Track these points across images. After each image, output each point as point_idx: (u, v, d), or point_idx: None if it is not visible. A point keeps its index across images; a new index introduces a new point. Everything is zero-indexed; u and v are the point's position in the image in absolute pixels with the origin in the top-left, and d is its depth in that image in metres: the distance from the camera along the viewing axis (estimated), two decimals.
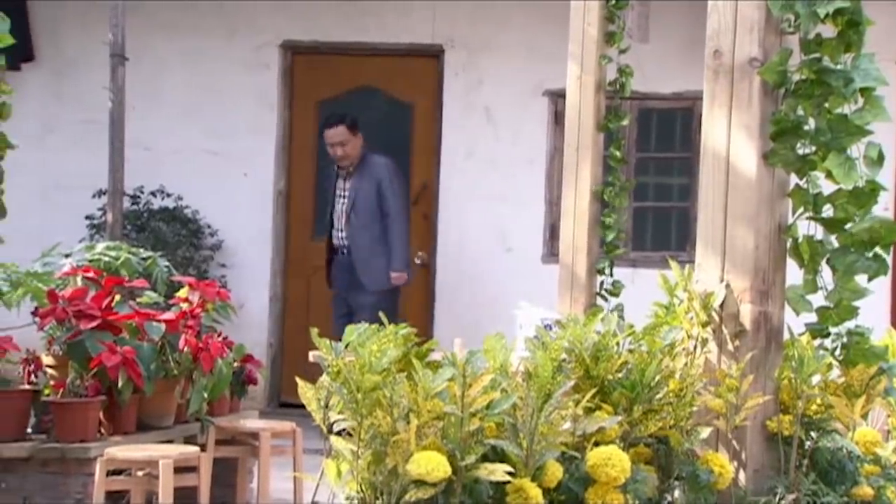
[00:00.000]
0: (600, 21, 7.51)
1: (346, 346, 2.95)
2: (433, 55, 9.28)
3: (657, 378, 3.29)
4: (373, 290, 8.18)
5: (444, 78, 9.27)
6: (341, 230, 8.32)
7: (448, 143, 9.22)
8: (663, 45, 8.59)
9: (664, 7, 8.66)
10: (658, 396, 3.31)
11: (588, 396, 3.18)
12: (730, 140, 3.58)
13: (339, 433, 2.92)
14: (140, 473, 4.92)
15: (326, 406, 2.93)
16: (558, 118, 9.11)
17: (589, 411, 3.20)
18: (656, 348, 3.33)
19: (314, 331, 2.99)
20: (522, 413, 3.01)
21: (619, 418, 3.21)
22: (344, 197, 8.33)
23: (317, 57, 9.50)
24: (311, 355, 5.36)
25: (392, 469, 2.83)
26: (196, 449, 4.98)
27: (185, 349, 5.34)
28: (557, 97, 9.03)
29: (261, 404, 8.85)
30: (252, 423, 6.01)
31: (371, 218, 8.24)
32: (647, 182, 9.08)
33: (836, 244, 3.55)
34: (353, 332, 2.98)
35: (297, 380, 2.98)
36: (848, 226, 3.49)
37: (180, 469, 4.81)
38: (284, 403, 9.31)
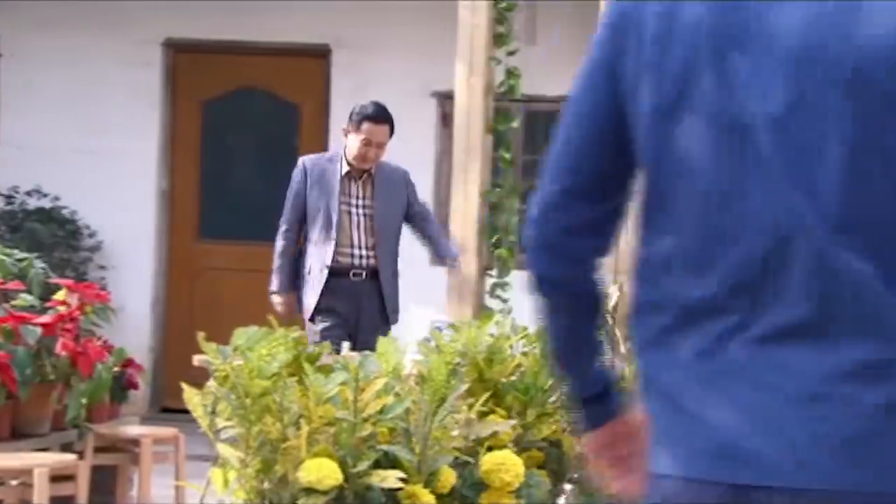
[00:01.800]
0: (489, 22, 7.51)
1: (234, 350, 2.87)
2: (320, 55, 9.19)
3: (550, 381, 3.26)
4: (392, 323, 6.49)
5: (332, 78, 9.19)
6: (361, 247, 6.44)
7: (335, 144, 9.12)
8: (550, 48, 8.61)
9: (551, 10, 8.69)
10: (551, 399, 3.28)
11: (482, 400, 3.13)
12: None
13: (226, 440, 2.84)
14: (14, 483, 4.76)
15: (213, 412, 2.85)
16: (446, 120, 9.08)
17: (482, 415, 3.16)
18: None
19: (201, 335, 2.90)
20: (415, 418, 2.95)
21: (513, 422, 3.17)
22: (363, 207, 6.48)
23: (201, 55, 9.35)
24: (196, 359, 5.24)
25: (282, 477, 2.75)
26: (73, 457, 4.84)
27: (63, 353, 5.19)
28: (445, 98, 8.99)
29: (142, 410, 8.67)
30: (132, 429, 5.88)
31: (397, 237, 6.66)
32: (536, 184, 9.11)
33: None
34: (242, 334, 2.90)
35: (183, 385, 2.88)
36: None
37: (57, 478, 4.66)
38: (167, 409, 9.14)
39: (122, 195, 9.17)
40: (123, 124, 9.23)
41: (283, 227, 6.55)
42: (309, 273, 6.39)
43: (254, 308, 9.08)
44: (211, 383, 2.89)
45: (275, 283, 6.58)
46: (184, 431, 5.92)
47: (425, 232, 6.79)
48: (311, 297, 6.36)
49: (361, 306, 6.40)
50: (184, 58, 9.39)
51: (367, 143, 6.45)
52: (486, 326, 3.28)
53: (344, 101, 9.20)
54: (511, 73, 7.71)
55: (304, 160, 6.63)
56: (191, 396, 2.86)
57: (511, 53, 7.70)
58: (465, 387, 3.03)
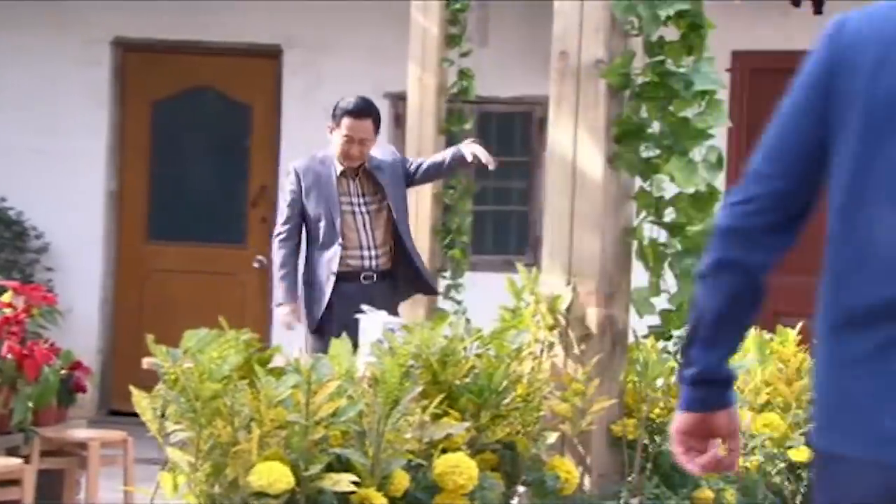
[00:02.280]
0: (441, 23, 7.49)
1: (184, 353, 2.82)
2: (272, 55, 9.12)
3: (505, 383, 3.23)
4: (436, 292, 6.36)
5: (283, 78, 9.12)
6: (369, 248, 6.04)
7: (287, 145, 9.06)
8: (502, 49, 8.59)
9: (503, 11, 8.67)
10: (505, 402, 3.25)
11: (435, 402, 3.10)
12: (576, 142, 3.55)
13: (176, 444, 2.79)
14: None
15: (163, 415, 2.80)
16: (398, 120, 9.03)
17: (436, 417, 3.13)
18: (504, 352, 3.27)
19: (150, 337, 2.85)
20: (369, 420, 2.92)
21: (467, 424, 3.15)
22: (366, 204, 6.10)
23: (151, 55, 9.25)
24: (146, 362, 5.17)
25: (232, 481, 2.71)
26: (19, 461, 4.76)
27: (9, 356, 5.11)
28: (398, 99, 8.95)
29: (90, 413, 8.57)
30: (80, 432, 5.79)
31: (407, 224, 6.19)
32: (487, 186, 9.07)
33: (679, 247, 3.55)
34: (191, 337, 2.85)
35: (131, 388, 2.83)
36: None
37: (2, 482, 4.59)
38: (115, 411, 9.04)
39: (70, 196, 9.06)
40: (71, 124, 9.12)
41: (280, 236, 6.10)
42: (314, 282, 5.95)
43: (204, 309, 9.01)
44: (160, 386, 2.84)
45: (279, 294, 6.04)
46: (133, 435, 5.85)
47: (433, 163, 6.23)
48: (317, 308, 5.91)
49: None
50: (133, 57, 9.29)
51: (349, 139, 6.04)
52: (440, 328, 3.25)
53: (296, 101, 9.16)
54: (464, 75, 7.69)
55: (295, 166, 6.16)
56: (139, 400, 2.81)
57: (464, 55, 7.68)
58: (418, 389, 3.00)
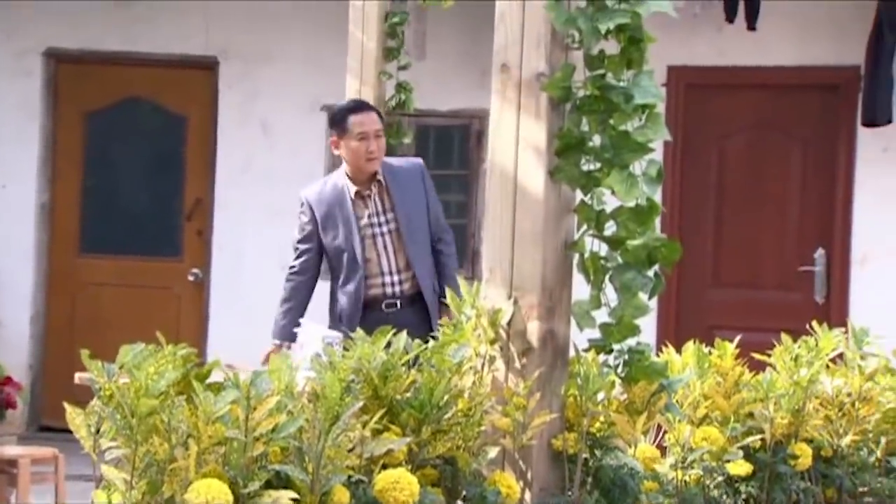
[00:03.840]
0: (379, 36, 7.46)
1: (120, 368, 2.77)
2: (207, 66, 9.06)
3: (446, 398, 3.21)
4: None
5: (219, 90, 9.05)
6: (392, 273, 5.58)
7: (223, 157, 9.00)
8: (440, 63, 8.59)
9: (440, 25, 8.66)
10: (447, 416, 3.22)
11: (376, 417, 3.07)
12: (517, 155, 3.54)
13: (110, 461, 2.74)
14: None
15: (97, 432, 2.74)
16: None
17: (377, 433, 3.10)
18: (445, 367, 3.25)
19: (85, 352, 2.79)
20: (308, 436, 2.88)
21: (408, 440, 3.11)
22: (385, 223, 5.62)
23: (84, 66, 9.16)
24: (78, 377, 5.09)
25: (169, 499, 2.66)
26: None
27: None
28: None
29: (20, 429, 8.43)
30: (10, 449, 5.72)
31: (427, 243, 5.67)
32: None
33: (619, 261, 3.54)
34: (127, 352, 2.80)
35: (65, 404, 2.78)
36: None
37: None
38: (46, 427, 8.91)
39: (0, 208, 8.93)
40: (2, 135, 9.00)
41: (292, 269, 5.76)
42: (342, 316, 5.58)
43: (138, 324, 8.91)
44: (95, 402, 2.78)
45: (276, 329, 5.71)
46: (64, 451, 5.76)
47: (438, 267, 5.70)
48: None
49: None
50: (66, 68, 9.19)
51: (364, 136, 5.55)
52: (381, 342, 3.22)
53: (232, 113, 9.09)
54: (402, 88, 7.66)
55: (308, 198, 5.72)
56: (73, 416, 2.75)
57: (402, 68, 7.66)
58: (359, 404, 2.97)
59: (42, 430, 8.89)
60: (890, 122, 8.29)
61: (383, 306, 5.56)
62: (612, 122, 3.47)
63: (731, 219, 8.75)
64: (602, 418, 3.58)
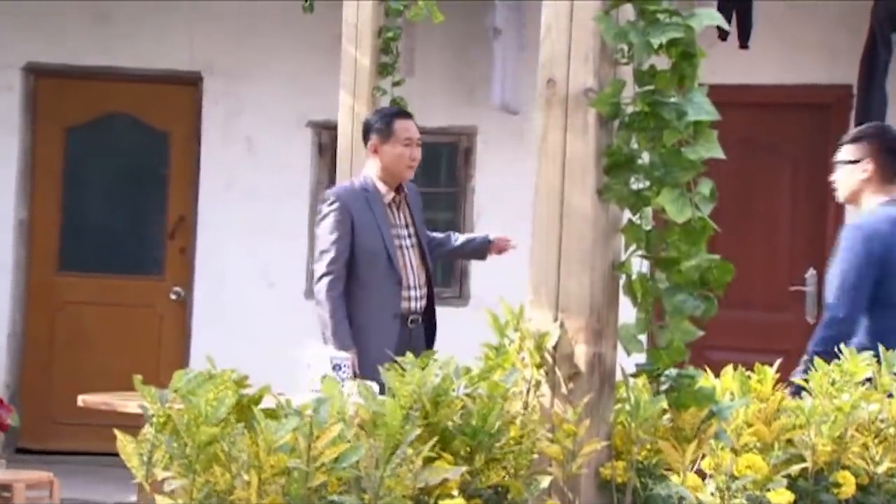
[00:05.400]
0: (373, 52, 7.36)
1: (175, 393, 2.63)
2: (191, 82, 8.90)
3: (498, 424, 3.08)
4: None
5: (203, 106, 8.91)
6: (416, 287, 5.48)
7: (207, 174, 8.85)
8: (428, 80, 8.50)
9: (429, 42, 8.58)
10: (499, 444, 3.10)
11: (429, 445, 2.94)
12: (564, 174, 3.42)
13: (166, 492, 2.60)
14: None
15: (149, 461, 2.60)
16: (322, 150, 8.88)
17: (428, 461, 2.96)
18: (498, 392, 3.12)
19: (138, 378, 2.65)
20: (366, 466, 2.75)
21: (464, 468, 2.99)
22: (409, 237, 5.53)
23: (65, 81, 8.98)
24: (82, 399, 4.94)
25: None
26: None
27: None
28: (322, 129, 8.80)
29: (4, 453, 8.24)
30: (3, 473, 5.53)
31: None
32: None
33: (667, 282, 3.43)
34: (180, 377, 2.66)
35: (116, 432, 2.64)
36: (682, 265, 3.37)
37: None
38: (23, 449, 8.69)
39: None
40: None
41: (330, 276, 5.35)
42: (370, 326, 5.34)
43: (119, 343, 8.74)
44: (147, 430, 2.64)
45: (343, 340, 5.32)
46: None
47: (451, 242, 5.76)
48: (378, 354, 4.93)
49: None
50: (47, 83, 9.01)
51: (409, 142, 5.48)
52: (432, 367, 3.09)
53: (216, 129, 8.94)
54: (396, 104, 7.56)
55: (340, 195, 5.49)
56: (124, 444, 2.61)
57: (396, 84, 7.56)
58: (417, 432, 2.84)
59: (19, 451, 8.67)
60: None
61: (409, 322, 5.44)
62: (661, 139, 3.36)
63: (721, 238, 8.58)
64: (648, 445, 3.47)
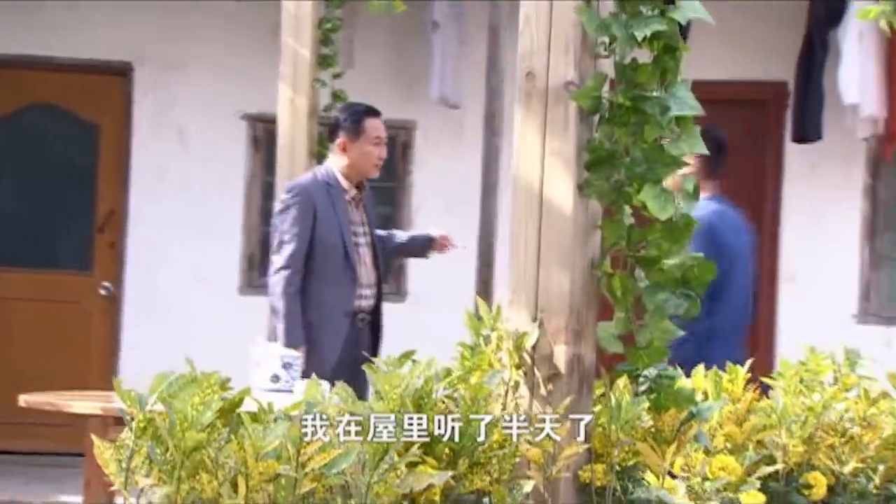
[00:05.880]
0: (313, 43, 7.22)
1: (157, 397, 2.49)
2: (121, 72, 8.68)
3: (483, 426, 2.99)
4: None
5: (134, 97, 8.68)
6: (368, 286, 5.43)
7: (137, 167, 8.63)
8: (367, 73, 8.36)
9: (368, 35, 8.45)
10: (482, 448, 3.00)
11: (413, 450, 2.83)
12: (543, 169, 3.34)
13: (147, 500, 2.46)
14: None
15: (128, 468, 2.46)
16: (257, 143, 8.71)
17: (411, 466, 2.86)
18: (482, 395, 3.03)
19: (117, 381, 2.51)
20: (353, 472, 2.64)
21: (449, 474, 2.89)
22: (363, 235, 5.47)
23: None
24: (24, 399, 4.75)
25: None
26: None
27: None
28: (257, 121, 8.63)
29: None
30: None
31: None
32: None
33: (647, 280, 3.36)
34: (162, 379, 2.52)
35: (93, 437, 2.49)
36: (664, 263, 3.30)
37: None
38: None
39: None
40: None
41: (288, 270, 5.24)
42: (323, 323, 5.25)
43: (46, 339, 8.49)
44: (126, 435, 2.50)
45: (297, 336, 5.21)
46: None
47: (393, 240, 5.72)
48: (330, 351, 5.22)
49: (359, 352, 5.05)
50: None
51: (378, 141, 5.43)
52: (417, 369, 2.98)
53: (147, 121, 8.72)
54: (337, 97, 7.44)
55: (305, 188, 5.36)
56: (101, 450, 2.47)
57: (337, 76, 7.43)
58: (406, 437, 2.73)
59: None
60: (820, 138, 8.29)
61: (358, 319, 5.37)
62: (643, 134, 3.29)
63: None
64: (626, 448, 3.39)
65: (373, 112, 5.54)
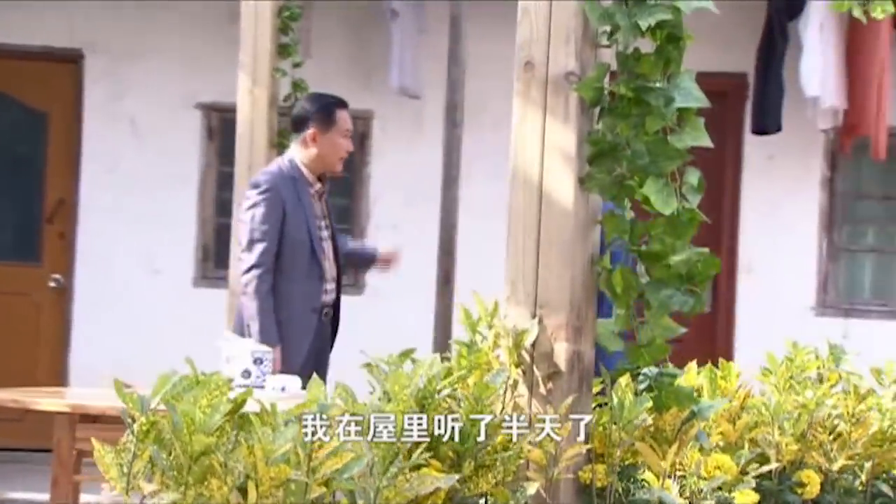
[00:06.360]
0: (273, 32, 7.09)
1: (160, 400, 2.37)
2: (71, 60, 8.47)
3: (487, 428, 2.89)
4: None
5: (84, 85, 8.48)
6: (331, 280, 5.31)
7: (88, 157, 8.43)
8: (325, 62, 8.23)
9: (326, 24, 8.32)
10: (487, 449, 2.91)
11: (418, 452, 2.73)
12: (543, 162, 3.24)
13: None
14: None
15: (129, 472, 2.34)
16: (212, 133, 8.55)
17: (416, 468, 2.76)
18: (487, 394, 2.93)
19: (118, 382, 2.39)
20: (361, 475, 2.53)
21: (456, 477, 2.79)
22: (326, 228, 5.34)
23: None
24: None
25: None
26: None
27: None
28: (212, 111, 8.47)
29: None
30: None
31: None
32: None
33: (648, 276, 3.27)
34: (165, 380, 2.40)
35: (93, 441, 2.37)
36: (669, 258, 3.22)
37: None
38: None
39: None
40: None
41: (261, 268, 5.09)
42: (291, 319, 5.13)
43: (6, 333, 8.28)
44: (128, 438, 2.38)
45: (272, 335, 5.08)
46: None
47: (343, 247, 5.53)
48: (298, 349, 5.11)
49: (325, 351, 5.20)
50: None
51: (348, 133, 5.31)
52: (421, 367, 2.87)
53: (98, 110, 8.52)
54: (298, 86, 7.31)
55: (273, 182, 5.18)
56: (102, 454, 2.34)
57: (297, 65, 7.30)
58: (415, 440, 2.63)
59: None
60: (780, 129, 8.27)
61: (323, 314, 5.27)
62: (646, 126, 3.20)
63: None
64: (625, 447, 3.31)
65: (343, 103, 5.42)
